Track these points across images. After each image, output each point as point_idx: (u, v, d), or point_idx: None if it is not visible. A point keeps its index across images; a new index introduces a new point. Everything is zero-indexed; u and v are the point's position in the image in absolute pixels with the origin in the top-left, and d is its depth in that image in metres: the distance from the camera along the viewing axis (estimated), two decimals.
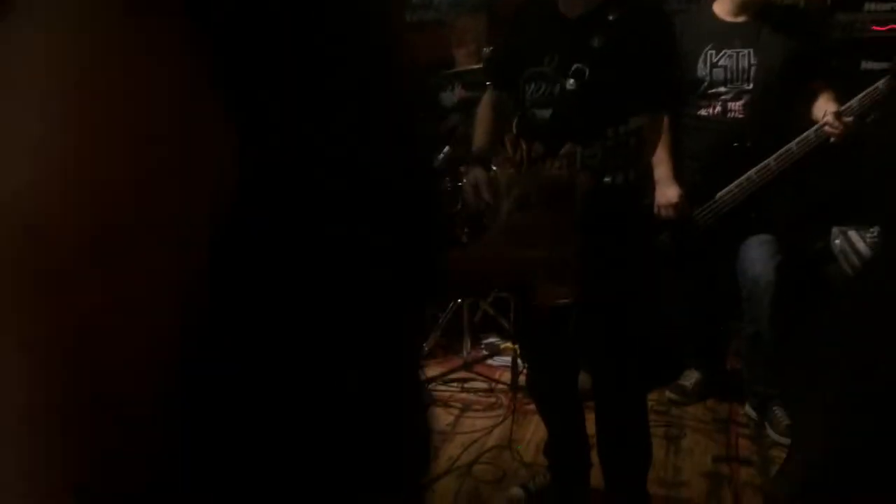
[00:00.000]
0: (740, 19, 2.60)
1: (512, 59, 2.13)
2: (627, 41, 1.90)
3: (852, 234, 2.42)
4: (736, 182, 2.59)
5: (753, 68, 2.55)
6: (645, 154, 1.96)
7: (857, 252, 2.32)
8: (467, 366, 3.30)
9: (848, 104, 2.44)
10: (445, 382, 3.19)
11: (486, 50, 3.53)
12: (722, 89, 2.59)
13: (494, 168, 2.42)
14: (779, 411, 2.72)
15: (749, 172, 2.56)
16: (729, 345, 3.05)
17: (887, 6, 3.09)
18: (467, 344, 3.39)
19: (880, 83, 2.46)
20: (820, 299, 2.60)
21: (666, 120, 2.21)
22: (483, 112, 2.31)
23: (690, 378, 3.02)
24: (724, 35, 2.60)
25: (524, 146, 2.22)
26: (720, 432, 2.80)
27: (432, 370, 3.23)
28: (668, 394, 3.00)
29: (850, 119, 2.44)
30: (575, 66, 1.95)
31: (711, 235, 2.66)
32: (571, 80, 1.96)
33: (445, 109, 3.73)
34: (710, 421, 2.87)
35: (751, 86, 2.56)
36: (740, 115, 2.59)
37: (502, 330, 3.46)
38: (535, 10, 2.09)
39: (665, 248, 2.68)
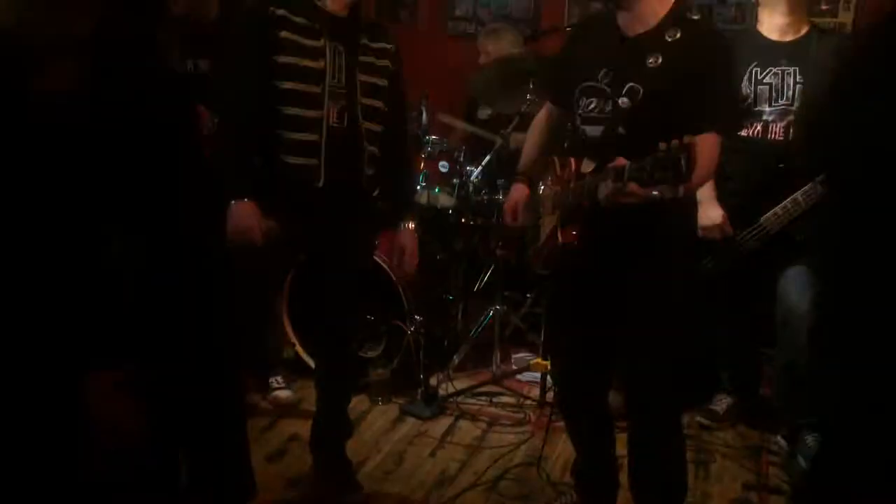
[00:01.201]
0: (787, 38, 2.57)
1: (568, 71, 2.13)
2: (683, 62, 1.89)
3: None
4: (780, 205, 2.55)
5: (799, 87, 2.53)
6: (696, 173, 1.94)
7: None
8: (496, 380, 3.29)
9: None
10: (474, 395, 3.18)
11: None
12: (766, 108, 2.57)
13: (542, 187, 2.42)
14: (810, 440, 2.66)
15: (794, 195, 2.52)
16: (763, 371, 3.00)
17: None
18: (497, 358, 3.38)
19: None
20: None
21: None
22: (535, 128, 2.32)
23: (722, 402, 2.97)
24: (770, 54, 2.57)
25: (573, 164, 2.22)
26: (750, 459, 2.75)
27: (461, 382, 3.23)
28: (698, 418, 2.96)
29: None
30: (629, 84, 1.94)
31: (754, 260, 2.63)
32: (625, 99, 1.95)
33: (482, 122, 3.75)
34: (739, 447, 2.82)
35: (795, 104, 2.53)
36: (781, 137, 2.56)
37: (533, 345, 3.45)
38: (595, 25, 2.11)
39: (707, 270, 2.65)
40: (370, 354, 3.18)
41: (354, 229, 2.36)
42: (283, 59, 2.12)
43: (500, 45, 3.73)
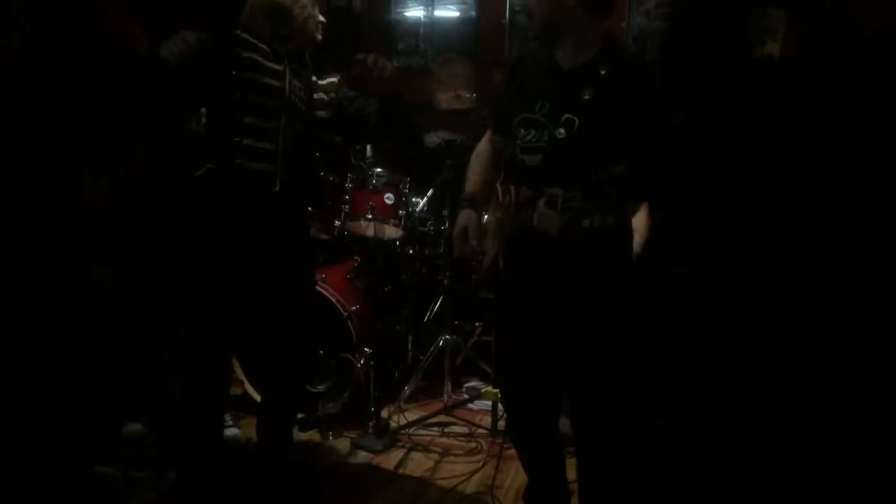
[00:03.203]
0: None
1: (508, 103, 2.22)
2: (617, 95, 1.98)
3: None
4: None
5: None
6: (629, 202, 2.01)
7: None
8: (448, 410, 3.29)
9: None
10: (426, 426, 3.18)
11: (471, 96, 3.61)
12: None
13: (485, 215, 2.47)
14: None
15: None
16: None
17: None
18: (448, 387, 3.39)
19: None
20: None
21: None
22: (477, 156, 2.37)
23: None
24: None
25: (513, 191, 2.27)
26: None
27: (412, 414, 3.22)
28: None
29: None
30: (565, 115, 2.02)
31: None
32: (561, 129, 2.03)
33: (429, 150, 3.80)
34: None
35: None
36: None
37: (483, 373, 3.46)
38: (533, 59, 2.18)
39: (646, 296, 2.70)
40: (319, 388, 3.16)
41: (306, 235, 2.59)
42: (247, 74, 2.30)
43: (459, 73, 3.80)
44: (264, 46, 2.35)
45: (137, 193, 2.75)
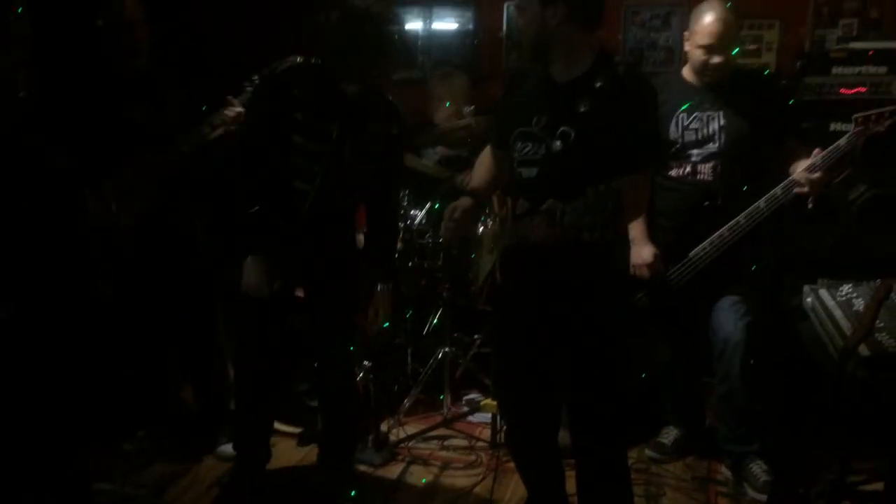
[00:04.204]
0: (710, 83, 2.67)
1: (505, 117, 2.24)
2: (612, 107, 1.99)
3: (823, 292, 2.46)
4: (708, 240, 2.63)
5: (723, 131, 2.62)
6: (626, 213, 2.02)
7: (827, 310, 2.35)
8: (447, 422, 3.29)
9: (811, 161, 2.51)
10: (425, 440, 3.17)
11: (468, 109, 3.61)
12: (694, 151, 2.66)
13: (481, 227, 2.48)
14: (755, 468, 2.71)
15: (721, 230, 2.62)
16: (707, 401, 3.05)
17: (854, 70, 3.19)
18: (447, 400, 3.38)
19: (841, 141, 2.53)
20: (793, 358, 2.63)
21: None
22: (481, 161, 2.39)
23: (669, 435, 3.02)
24: (695, 98, 2.67)
25: (510, 203, 2.29)
26: (699, 490, 2.79)
27: (412, 427, 3.21)
28: (647, 451, 2.99)
29: (816, 175, 2.51)
30: (562, 128, 2.04)
31: (687, 293, 2.69)
32: (558, 142, 2.05)
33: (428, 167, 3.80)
34: (689, 479, 2.86)
35: (720, 147, 2.63)
36: (709, 178, 2.65)
37: (483, 386, 3.46)
38: (529, 73, 2.19)
39: (642, 307, 2.70)
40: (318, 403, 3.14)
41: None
42: (292, 137, 2.38)
43: (453, 88, 3.81)
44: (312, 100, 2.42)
45: (149, 202, 2.76)
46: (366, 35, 2.31)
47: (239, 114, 2.73)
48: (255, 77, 2.66)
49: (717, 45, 2.59)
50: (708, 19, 2.59)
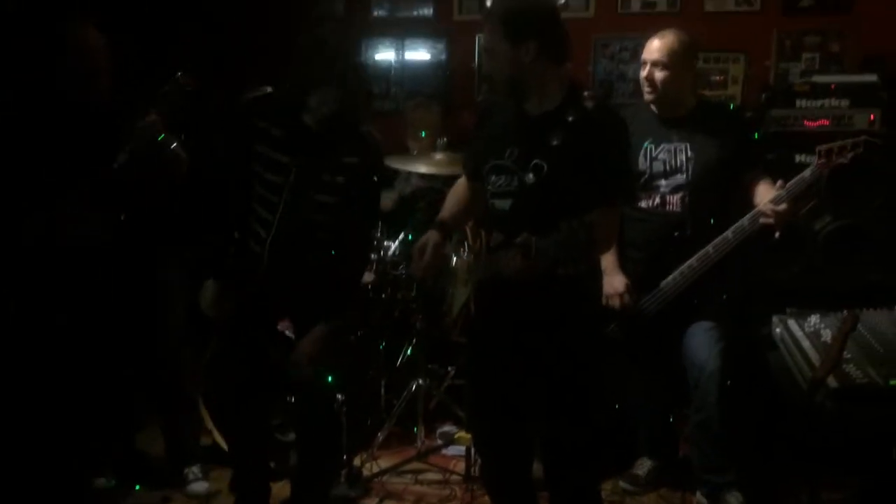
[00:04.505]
0: (677, 114, 2.72)
1: (478, 150, 2.26)
2: (584, 140, 2.02)
3: (791, 322, 2.49)
4: (678, 270, 2.66)
5: (690, 162, 2.66)
6: (598, 246, 2.04)
7: (795, 340, 2.38)
8: (421, 456, 3.26)
9: (777, 193, 2.55)
10: (399, 474, 3.14)
11: (441, 141, 3.63)
12: (662, 182, 2.69)
13: (455, 258, 2.48)
14: (731, 499, 2.71)
15: (690, 260, 2.64)
16: (680, 431, 3.06)
17: (817, 103, 3.27)
18: (421, 433, 3.35)
19: (806, 173, 2.58)
20: (762, 388, 2.65)
21: None
22: (455, 192, 2.39)
23: (643, 466, 3.01)
24: (663, 130, 2.71)
25: (483, 235, 2.29)
26: None
27: (386, 461, 3.18)
28: (621, 483, 2.98)
29: (782, 207, 2.55)
30: (534, 161, 2.06)
31: (658, 323, 2.71)
32: (531, 175, 2.07)
33: (401, 198, 3.81)
34: None
35: (688, 179, 2.66)
36: (677, 208, 2.68)
37: (457, 418, 3.43)
38: (502, 106, 2.21)
39: (614, 338, 2.71)
40: (290, 438, 3.10)
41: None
42: (254, 167, 2.39)
43: (427, 118, 3.83)
44: (278, 132, 2.40)
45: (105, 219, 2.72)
46: (325, 65, 2.31)
47: (155, 121, 2.60)
48: (168, 86, 2.61)
49: (658, 59, 2.64)
50: (654, 38, 2.69)
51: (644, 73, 2.70)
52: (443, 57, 4.29)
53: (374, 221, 2.75)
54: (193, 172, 2.76)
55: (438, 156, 3.47)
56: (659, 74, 2.65)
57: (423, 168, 3.47)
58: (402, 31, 4.31)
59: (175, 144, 2.67)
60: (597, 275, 2.40)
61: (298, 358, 2.41)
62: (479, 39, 4.10)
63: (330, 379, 2.60)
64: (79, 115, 2.66)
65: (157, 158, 2.64)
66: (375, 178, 2.51)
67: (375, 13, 4.34)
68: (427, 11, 4.26)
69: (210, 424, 3.12)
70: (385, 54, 4.38)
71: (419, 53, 4.33)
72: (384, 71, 4.39)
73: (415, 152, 3.75)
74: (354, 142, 2.42)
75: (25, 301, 2.61)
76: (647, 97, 2.72)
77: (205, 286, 2.52)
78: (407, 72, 4.35)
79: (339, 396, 3.05)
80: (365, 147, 2.43)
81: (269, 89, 2.43)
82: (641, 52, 2.77)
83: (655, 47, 2.66)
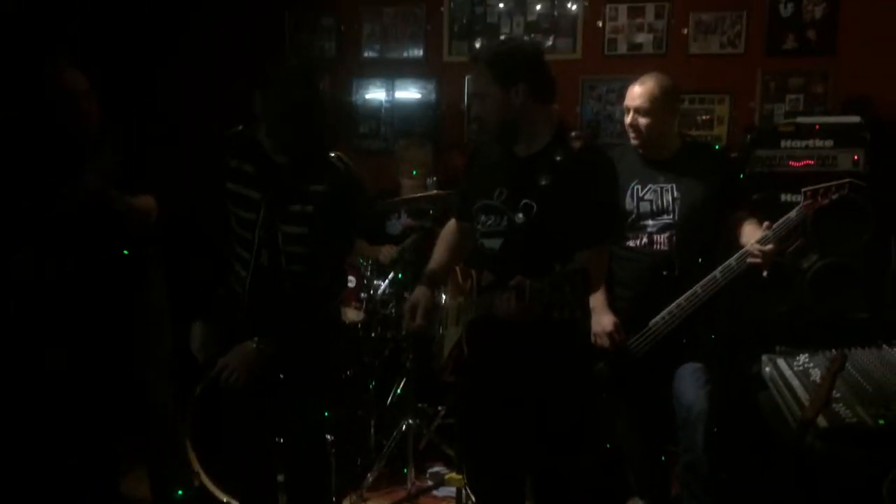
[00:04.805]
0: (662, 156, 2.75)
1: (468, 190, 2.28)
2: (572, 180, 2.04)
3: (780, 361, 2.50)
4: (667, 309, 2.66)
5: (677, 202, 2.69)
6: (591, 288, 2.04)
7: (785, 380, 2.38)
8: (411, 497, 3.22)
9: (764, 234, 2.58)
10: None
11: (431, 180, 3.66)
12: (649, 222, 2.71)
13: (444, 297, 2.48)
14: None
15: (678, 300, 2.65)
16: (672, 471, 3.04)
17: (802, 143, 3.32)
18: (411, 474, 3.32)
19: (791, 213, 2.61)
20: (753, 426, 2.64)
21: None
22: (443, 237, 2.40)
23: None
24: (649, 171, 2.74)
25: (474, 275, 2.30)
26: None
27: (375, 503, 3.14)
28: None
29: (769, 247, 2.57)
30: (524, 201, 2.08)
31: (647, 362, 2.71)
32: (520, 215, 2.09)
33: (391, 237, 3.82)
34: None
35: (675, 219, 2.69)
36: (665, 248, 2.70)
37: (447, 459, 3.40)
38: (491, 147, 2.24)
39: (603, 376, 2.71)
40: (278, 479, 3.06)
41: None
42: (229, 207, 2.38)
43: (420, 155, 3.86)
44: (249, 168, 2.39)
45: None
46: (282, 96, 2.25)
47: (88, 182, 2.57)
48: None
49: (640, 105, 2.67)
50: (635, 85, 2.72)
51: (628, 119, 2.74)
52: (433, 97, 4.34)
53: (349, 246, 2.62)
54: (173, 218, 2.77)
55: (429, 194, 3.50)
56: (642, 120, 2.68)
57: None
58: (393, 71, 4.37)
59: (124, 199, 2.63)
60: (587, 315, 2.41)
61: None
62: (468, 80, 4.16)
63: (319, 419, 2.57)
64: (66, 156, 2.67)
65: (98, 216, 2.61)
66: (350, 203, 2.38)
67: (366, 54, 4.39)
68: (417, 53, 4.32)
69: (198, 467, 3.08)
70: (375, 94, 4.43)
71: (409, 93, 4.38)
72: (375, 110, 4.44)
73: (405, 192, 3.77)
74: (321, 169, 2.33)
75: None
76: (633, 142, 2.75)
77: (192, 329, 2.50)
78: (397, 111, 4.40)
79: (328, 436, 3.03)
80: (334, 173, 2.34)
81: (241, 127, 2.42)
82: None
83: (637, 94, 2.70)
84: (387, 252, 3.64)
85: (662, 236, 2.70)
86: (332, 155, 2.38)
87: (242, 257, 2.37)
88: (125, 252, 2.74)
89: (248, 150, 2.36)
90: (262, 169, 2.33)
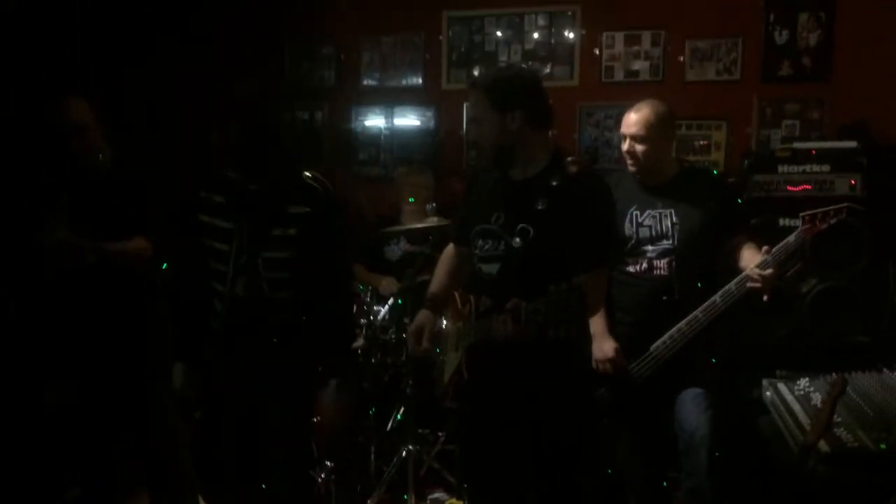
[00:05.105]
0: (660, 181, 2.77)
1: (466, 215, 2.30)
2: (569, 204, 2.07)
3: (781, 386, 2.49)
4: (668, 334, 2.67)
5: (675, 228, 2.70)
6: (588, 309, 2.06)
7: (786, 404, 2.37)
8: None
9: (763, 258, 2.59)
10: None
11: (431, 206, 3.68)
12: (648, 248, 2.72)
13: (444, 322, 2.49)
14: None
15: (679, 324, 2.65)
16: (675, 496, 3.02)
17: (799, 168, 3.35)
18: (412, 500, 3.29)
19: (790, 238, 2.62)
20: (754, 451, 2.63)
21: None
22: (442, 262, 2.41)
23: None
24: (647, 196, 2.76)
25: (472, 300, 2.31)
26: None
27: None
28: None
29: (768, 272, 2.58)
30: (520, 225, 2.10)
31: (648, 387, 2.70)
32: (517, 239, 2.11)
33: (390, 263, 3.83)
34: None
35: (674, 244, 2.70)
36: (665, 273, 2.70)
37: (448, 485, 3.38)
38: (489, 173, 2.26)
39: (605, 402, 2.70)
40: None
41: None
42: (203, 240, 2.33)
43: (420, 182, 3.88)
44: (219, 198, 2.36)
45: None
46: (249, 122, 2.23)
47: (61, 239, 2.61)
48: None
49: (636, 133, 2.69)
50: (631, 112, 2.74)
51: (624, 146, 2.76)
52: (431, 124, 4.38)
53: (345, 264, 2.59)
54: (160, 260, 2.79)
55: (428, 220, 3.51)
56: (639, 147, 2.70)
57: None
58: (392, 99, 4.41)
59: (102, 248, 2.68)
60: (586, 338, 2.41)
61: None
62: (466, 107, 4.20)
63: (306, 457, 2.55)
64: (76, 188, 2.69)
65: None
66: (334, 222, 2.35)
67: (366, 82, 4.44)
68: (416, 81, 4.37)
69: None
70: (375, 121, 4.47)
71: (408, 120, 4.42)
72: (374, 137, 4.47)
73: (405, 219, 3.78)
74: (299, 190, 2.31)
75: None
76: (630, 168, 2.77)
77: (174, 369, 2.49)
78: (396, 138, 4.44)
79: (328, 463, 3.02)
80: (313, 195, 2.32)
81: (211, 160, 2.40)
82: None
83: (632, 121, 2.72)
84: (387, 285, 3.65)
85: (662, 261, 2.71)
86: (308, 175, 2.36)
87: (218, 291, 2.31)
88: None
89: (215, 182, 2.32)
90: (232, 198, 2.29)
